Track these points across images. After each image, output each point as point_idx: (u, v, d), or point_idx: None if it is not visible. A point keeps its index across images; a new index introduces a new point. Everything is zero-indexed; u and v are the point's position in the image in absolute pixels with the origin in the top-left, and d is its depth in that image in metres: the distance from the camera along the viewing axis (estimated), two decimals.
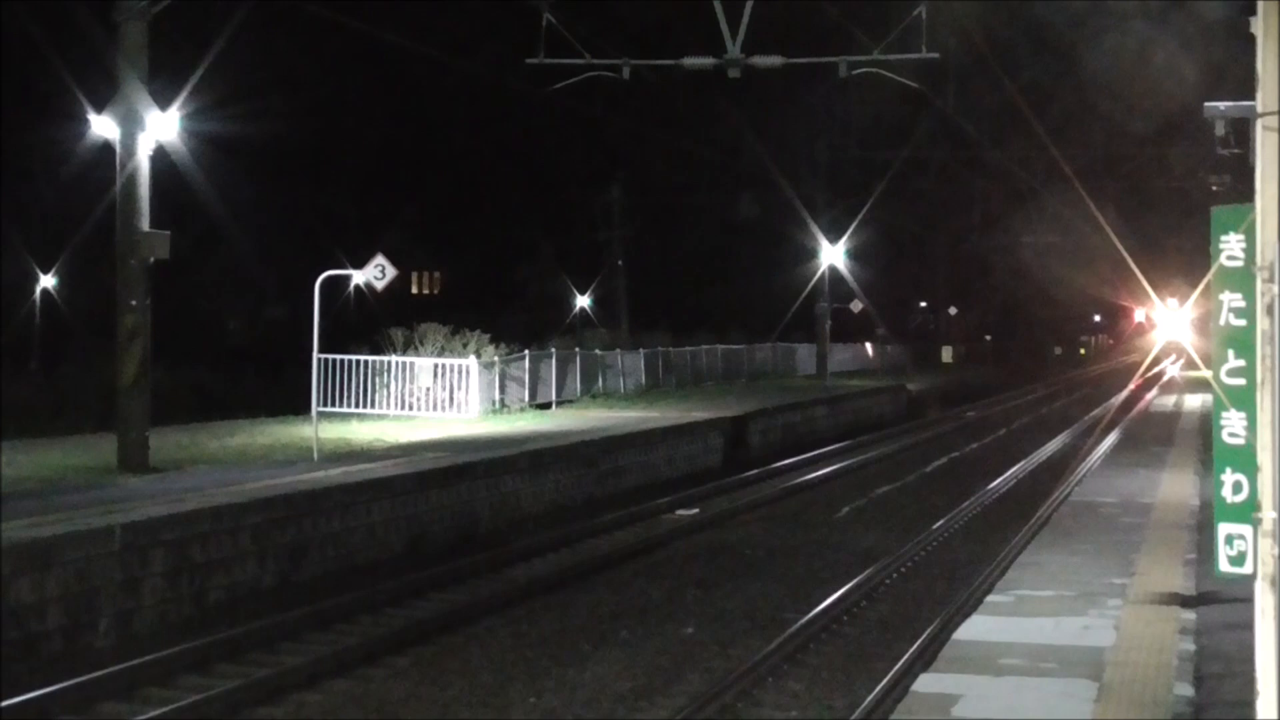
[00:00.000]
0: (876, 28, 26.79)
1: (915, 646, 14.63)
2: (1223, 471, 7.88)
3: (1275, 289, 7.41)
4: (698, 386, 48.67)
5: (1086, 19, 35.46)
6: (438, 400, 32.82)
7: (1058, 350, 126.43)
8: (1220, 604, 12.32)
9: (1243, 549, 7.76)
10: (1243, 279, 7.77)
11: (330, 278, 24.96)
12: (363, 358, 32.72)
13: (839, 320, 64.68)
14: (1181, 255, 57.83)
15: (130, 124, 21.16)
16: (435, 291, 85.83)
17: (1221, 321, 7.80)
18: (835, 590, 17.78)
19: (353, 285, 38.15)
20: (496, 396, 34.27)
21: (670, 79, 29.74)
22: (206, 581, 16.64)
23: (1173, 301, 50.27)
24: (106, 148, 21.92)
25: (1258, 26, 7.62)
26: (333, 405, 31.09)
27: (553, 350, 38.80)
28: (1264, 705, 7.31)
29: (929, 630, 15.38)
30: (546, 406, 36.46)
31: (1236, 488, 7.79)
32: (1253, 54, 7.59)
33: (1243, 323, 7.74)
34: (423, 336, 34.53)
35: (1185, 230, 56.77)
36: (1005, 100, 39.67)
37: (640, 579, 19.55)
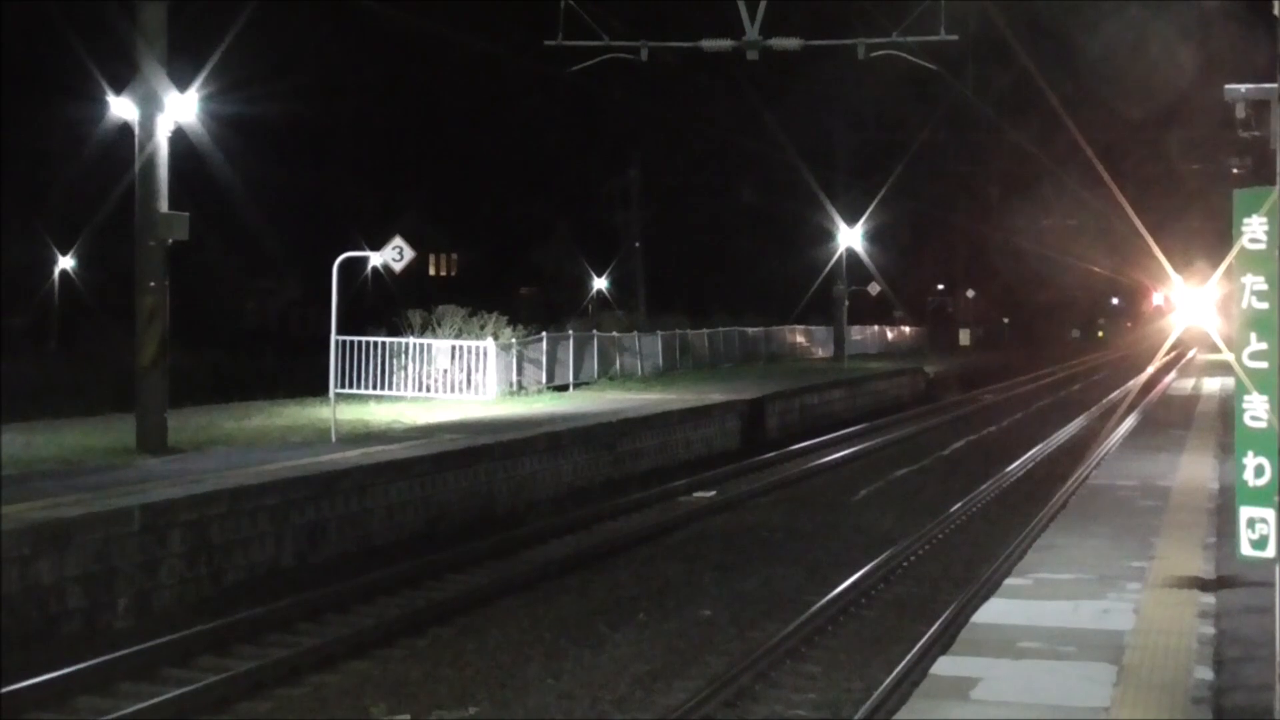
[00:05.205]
0: (893, 11, 26.77)
1: (933, 629, 14.62)
2: (1245, 455, 7.86)
3: None
4: (715, 369, 48.64)
5: (1092, 6, 35.48)
6: (455, 382, 32.81)
7: (1075, 333, 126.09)
8: (1240, 588, 12.28)
9: (1265, 532, 7.74)
10: (1265, 262, 7.75)
11: (348, 259, 24.96)
12: (380, 339, 32.70)
13: (856, 303, 64.64)
14: (1196, 237, 57.66)
15: (149, 105, 21.16)
16: (452, 273, 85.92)
17: (1244, 304, 7.78)
18: (853, 573, 17.77)
19: (370, 267, 38.18)
20: (514, 378, 34.26)
21: (688, 62, 29.70)
22: (225, 562, 16.67)
23: (1178, 282, 50.06)
24: (125, 129, 21.93)
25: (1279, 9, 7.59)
26: (350, 387, 31.09)
27: (570, 332, 38.78)
28: None
29: (947, 613, 15.37)
30: (564, 388, 36.47)
31: (1259, 471, 7.77)
32: (1269, 36, 7.56)
33: (1265, 305, 7.72)
34: (440, 318, 34.51)
35: (1200, 213, 56.66)
36: (1018, 83, 39.61)
37: (658, 561, 19.56)
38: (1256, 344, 7.77)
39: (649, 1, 34.10)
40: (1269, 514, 7.68)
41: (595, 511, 23.07)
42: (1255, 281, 7.77)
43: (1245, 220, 7.82)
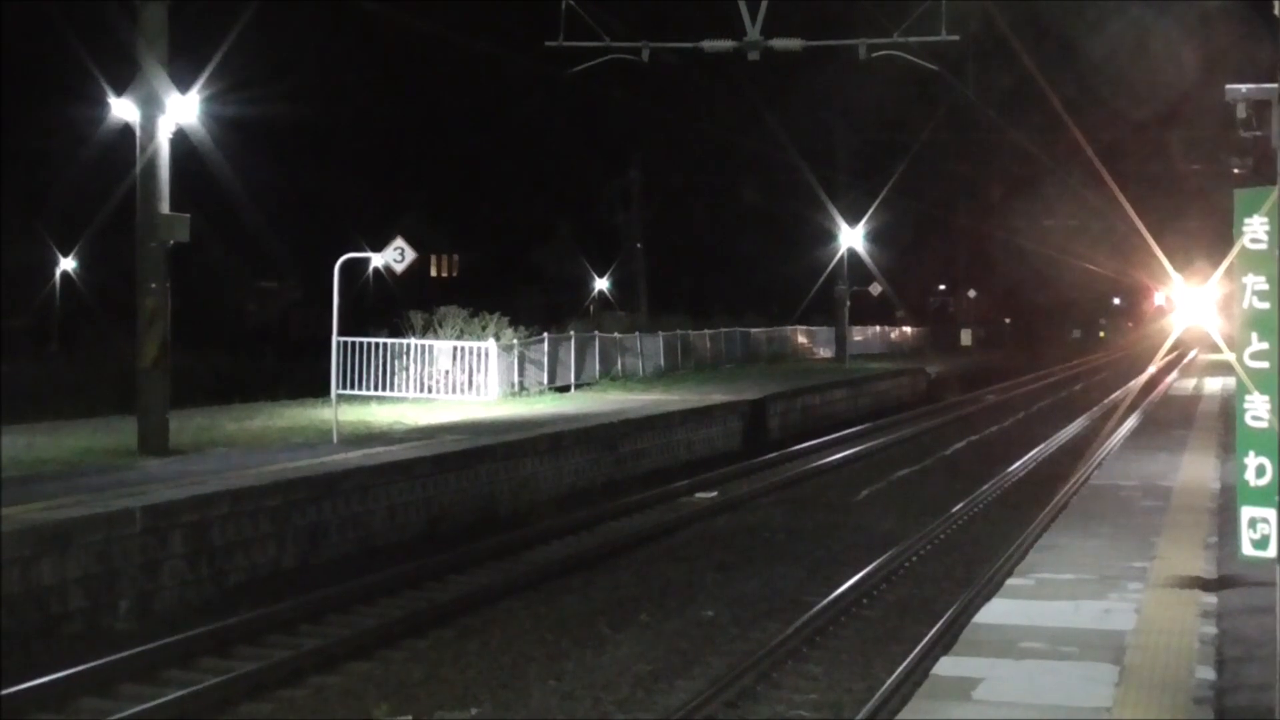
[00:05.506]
0: (894, 12, 26.78)
1: (935, 630, 14.61)
2: (1246, 455, 7.85)
3: None
4: (716, 369, 48.66)
5: (1093, 5, 35.50)
6: (457, 383, 32.83)
7: (1076, 333, 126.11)
8: (1241, 587, 12.28)
9: (1266, 532, 7.74)
10: (1266, 261, 7.74)
11: (349, 261, 24.97)
12: (382, 340, 32.73)
13: (858, 303, 64.65)
14: (1197, 237, 57.65)
15: (150, 107, 21.17)
16: (453, 274, 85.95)
17: (1245, 304, 7.77)
18: (855, 573, 17.77)
19: (371, 268, 38.22)
20: (515, 379, 34.27)
21: (689, 63, 29.69)
22: (226, 563, 16.67)
23: (1180, 282, 50.07)
24: (126, 130, 21.93)
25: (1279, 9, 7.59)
26: (352, 388, 31.11)
27: (571, 333, 38.79)
28: None
29: (949, 613, 15.36)
30: (565, 389, 36.48)
31: (1260, 471, 7.77)
32: (1270, 36, 7.57)
33: (1266, 305, 7.71)
34: (441, 319, 34.54)
35: (1200, 212, 56.66)
36: (1020, 83, 39.60)
37: (660, 562, 19.56)
38: (1258, 344, 7.77)
39: (650, 2, 34.11)
40: (1270, 514, 7.68)
41: (597, 512, 23.07)
42: (1256, 281, 7.76)
43: (1246, 220, 7.81)
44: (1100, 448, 29.64)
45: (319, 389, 29.82)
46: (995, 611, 11.54)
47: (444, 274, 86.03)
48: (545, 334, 36.73)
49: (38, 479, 17.69)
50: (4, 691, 11.91)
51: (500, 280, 72.81)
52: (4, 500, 15.42)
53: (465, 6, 43.06)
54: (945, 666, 9.93)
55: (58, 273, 63.53)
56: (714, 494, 25.82)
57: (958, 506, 23.68)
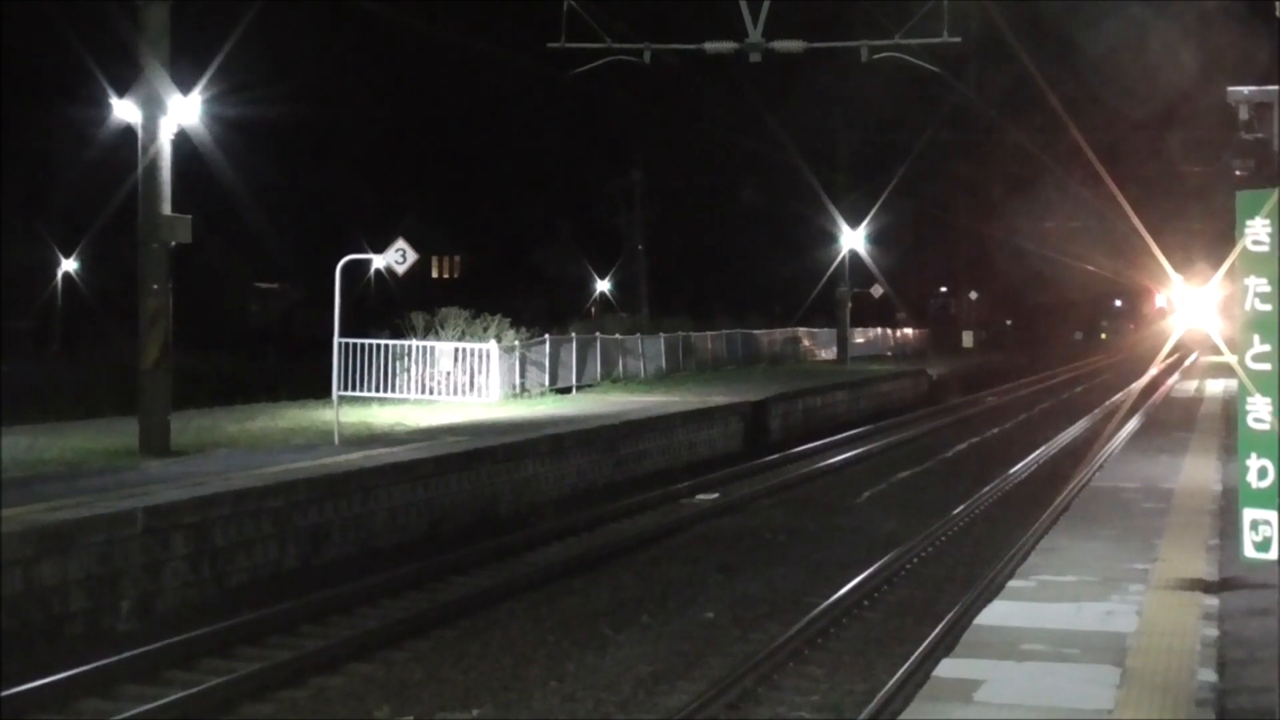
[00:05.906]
0: (896, 13, 26.81)
1: (936, 631, 14.60)
2: (1247, 457, 7.86)
3: None
4: (718, 371, 48.64)
5: (1093, 5, 35.55)
6: (458, 384, 32.82)
7: (1078, 335, 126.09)
8: (1243, 590, 12.26)
9: (1268, 534, 7.74)
10: (1268, 263, 7.74)
11: (350, 262, 24.96)
12: (383, 342, 32.71)
13: (859, 305, 64.61)
14: (1198, 239, 57.62)
15: (152, 108, 21.16)
16: (455, 275, 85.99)
17: (1246, 307, 7.76)
18: (856, 575, 17.76)
19: (373, 270, 38.26)
20: (517, 381, 34.26)
21: (690, 64, 29.71)
22: (228, 565, 16.67)
23: (1180, 283, 50.00)
24: (128, 132, 21.93)
25: None
26: (353, 389, 31.10)
27: (573, 335, 38.79)
28: None
29: (950, 615, 15.35)
30: (567, 391, 36.46)
31: (1262, 473, 7.77)
32: (1270, 36, 7.57)
33: (1268, 308, 7.70)
34: (443, 321, 34.52)
35: (1201, 214, 56.64)
36: (1020, 84, 39.64)
37: (661, 563, 19.55)
38: (1259, 346, 7.76)
39: (651, 3, 34.13)
40: (1272, 516, 7.68)
41: (598, 514, 23.05)
42: (1258, 283, 7.76)
43: (1248, 222, 7.80)
44: (1102, 450, 29.64)
45: (320, 390, 29.80)
46: (997, 613, 11.54)
47: (445, 275, 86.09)
48: (547, 335, 36.72)
49: (39, 480, 17.70)
50: (6, 693, 11.93)
51: (501, 281, 72.86)
52: (5, 501, 15.43)
53: (466, 7, 43.07)
54: (947, 668, 9.92)
55: (59, 274, 63.59)
56: (715, 495, 25.81)
57: (959, 508, 23.67)
